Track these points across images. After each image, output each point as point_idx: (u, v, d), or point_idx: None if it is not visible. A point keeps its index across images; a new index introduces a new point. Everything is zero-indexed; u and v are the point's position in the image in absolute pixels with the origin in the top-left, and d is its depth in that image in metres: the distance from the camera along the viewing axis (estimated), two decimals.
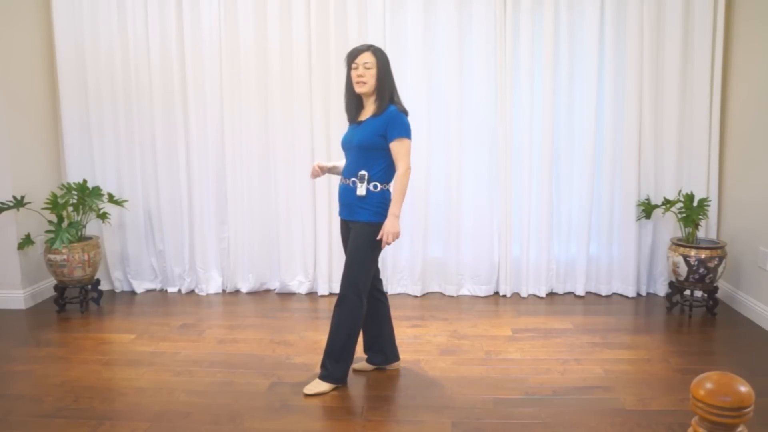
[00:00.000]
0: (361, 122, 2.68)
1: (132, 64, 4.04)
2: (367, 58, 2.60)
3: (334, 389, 2.73)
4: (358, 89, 2.63)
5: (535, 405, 2.57)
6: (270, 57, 3.98)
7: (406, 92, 4.00)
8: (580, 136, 4.00)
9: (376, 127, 2.60)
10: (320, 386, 2.70)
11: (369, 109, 2.68)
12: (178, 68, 4.03)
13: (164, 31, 4.01)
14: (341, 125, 4.02)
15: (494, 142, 4.00)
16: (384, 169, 2.65)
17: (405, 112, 2.65)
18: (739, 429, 1.12)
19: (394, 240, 2.60)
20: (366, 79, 2.61)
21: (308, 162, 4.08)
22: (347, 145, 2.72)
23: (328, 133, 4.04)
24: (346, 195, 2.70)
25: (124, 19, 4.01)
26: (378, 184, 2.63)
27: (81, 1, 3.99)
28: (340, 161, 2.87)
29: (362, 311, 2.68)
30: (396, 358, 2.95)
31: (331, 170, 2.90)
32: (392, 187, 2.64)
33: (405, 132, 2.61)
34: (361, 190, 2.62)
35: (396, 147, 2.60)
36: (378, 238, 2.60)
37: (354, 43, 3.91)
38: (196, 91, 4.05)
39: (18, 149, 3.85)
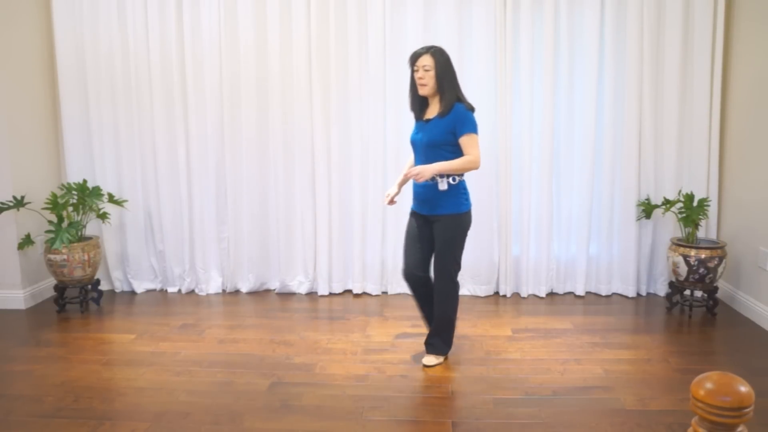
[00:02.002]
0: (429, 120, 2.82)
1: (132, 64, 4.04)
2: (426, 60, 2.74)
3: (444, 359, 3.04)
4: (420, 91, 2.79)
5: (535, 405, 2.57)
6: (270, 57, 3.98)
7: (406, 92, 3.99)
8: (580, 136, 4.00)
9: (445, 125, 2.75)
10: (437, 359, 3.00)
11: (434, 108, 2.83)
12: (178, 68, 4.03)
13: (164, 31, 4.01)
14: (341, 125, 4.03)
15: (494, 142, 4.00)
16: None
17: (472, 109, 2.80)
18: (739, 429, 1.12)
19: (416, 177, 2.71)
20: (426, 81, 2.75)
21: (308, 161, 4.08)
22: (418, 143, 2.85)
23: (328, 133, 4.04)
24: (427, 191, 2.83)
25: (124, 19, 4.01)
26: (456, 177, 2.80)
27: (81, 1, 4.00)
28: (401, 175, 3.04)
29: (458, 291, 2.96)
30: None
31: (402, 185, 3.07)
32: (456, 161, 2.76)
33: (473, 128, 2.77)
34: (443, 185, 2.77)
35: (465, 141, 2.76)
36: (406, 172, 2.75)
37: (354, 43, 3.93)
38: (196, 91, 4.05)
39: (18, 149, 3.85)
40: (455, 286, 2.93)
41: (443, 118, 2.75)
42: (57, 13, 4.02)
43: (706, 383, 1.13)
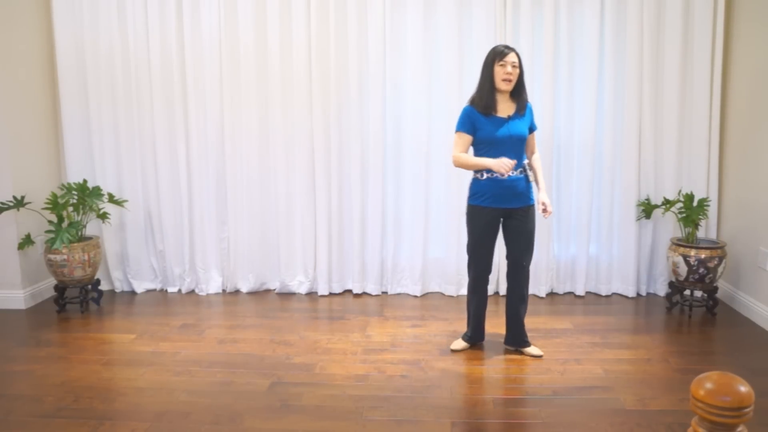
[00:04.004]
0: (510, 117, 2.91)
1: (132, 63, 4.04)
2: (515, 58, 2.87)
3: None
4: (506, 86, 2.88)
5: (535, 405, 2.58)
6: (270, 57, 3.98)
7: (406, 92, 4.01)
8: (580, 137, 4.00)
9: (526, 122, 2.96)
10: (539, 349, 3.12)
11: (506, 105, 2.93)
12: (178, 68, 4.03)
13: (164, 31, 4.01)
14: (341, 125, 4.02)
15: None
16: None
17: None
18: (739, 429, 1.12)
19: (549, 211, 2.96)
20: (512, 78, 2.87)
21: (308, 161, 4.07)
22: (508, 138, 2.89)
23: (328, 133, 4.04)
24: (519, 184, 2.92)
25: (124, 19, 4.01)
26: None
27: (81, 1, 3.99)
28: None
29: None
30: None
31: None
32: (537, 165, 3.05)
33: None
34: (531, 176, 3.00)
35: (535, 136, 3.06)
36: (548, 212, 2.92)
37: (354, 43, 3.93)
38: (196, 91, 4.04)
39: (18, 149, 3.85)
40: None
41: (523, 115, 2.93)
42: (57, 13, 4.01)
43: (706, 383, 1.13)
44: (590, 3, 3.84)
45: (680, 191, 3.86)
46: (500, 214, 2.96)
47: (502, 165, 2.77)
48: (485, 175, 2.91)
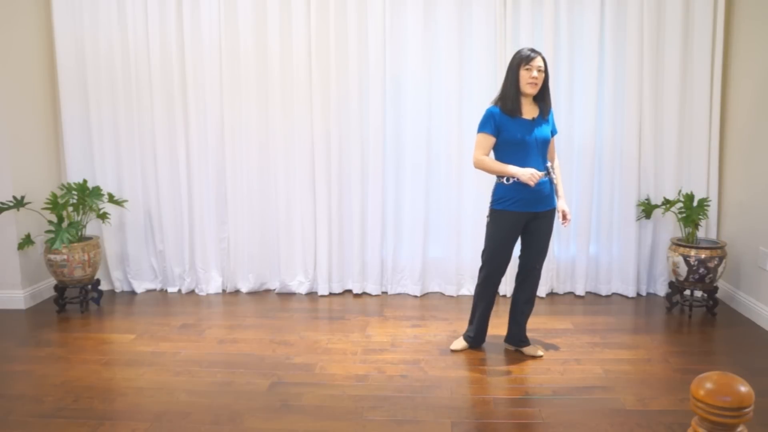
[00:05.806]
0: (535, 119, 2.90)
1: (132, 63, 4.04)
2: (541, 62, 2.84)
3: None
4: (531, 90, 2.84)
5: (535, 405, 2.58)
6: (270, 57, 3.98)
7: (407, 93, 4.01)
8: (580, 136, 4.00)
9: (550, 125, 2.97)
10: (539, 349, 3.14)
11: (530, 108, 2.92)
12: (178, 68, 4.03)
13: (164, 31, 4.00)
14: (341, 125, 4.02)
15: None
16: None
17: None
18: (739, 429, 1.12)
19: (568, 219, 3.05)
20: (538, 82, 2.84)
21: (308, 162, 4.07)
22: (534, 141, 2.89)
23: (328, 133, 4.04)
24: (544, 188, 2.92)
25: (124, 19, 4.01)
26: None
27: (81, 0, 3.99)
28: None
29: None
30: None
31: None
32: (557, 171, 3.05)
33: None
34: (555, 179, 2.99)
35: (554, 141, 3.08)
36: (567, 220, 3.02)
37: (354, 43, 3.93)
38: (196, 90, 4.04)
39: (18, 149, 3.85)
40: None
41: (546, 118, 2.94)
42: (57, 13, 4.01)
43: (706, 383, 1.13)
44: (590, 3, 3.84)
45: (680, 191, 3.86)
46: (525, 218, 2.92)
47: (532, 177, 2.78)
48: (511, 180, 2.87)
